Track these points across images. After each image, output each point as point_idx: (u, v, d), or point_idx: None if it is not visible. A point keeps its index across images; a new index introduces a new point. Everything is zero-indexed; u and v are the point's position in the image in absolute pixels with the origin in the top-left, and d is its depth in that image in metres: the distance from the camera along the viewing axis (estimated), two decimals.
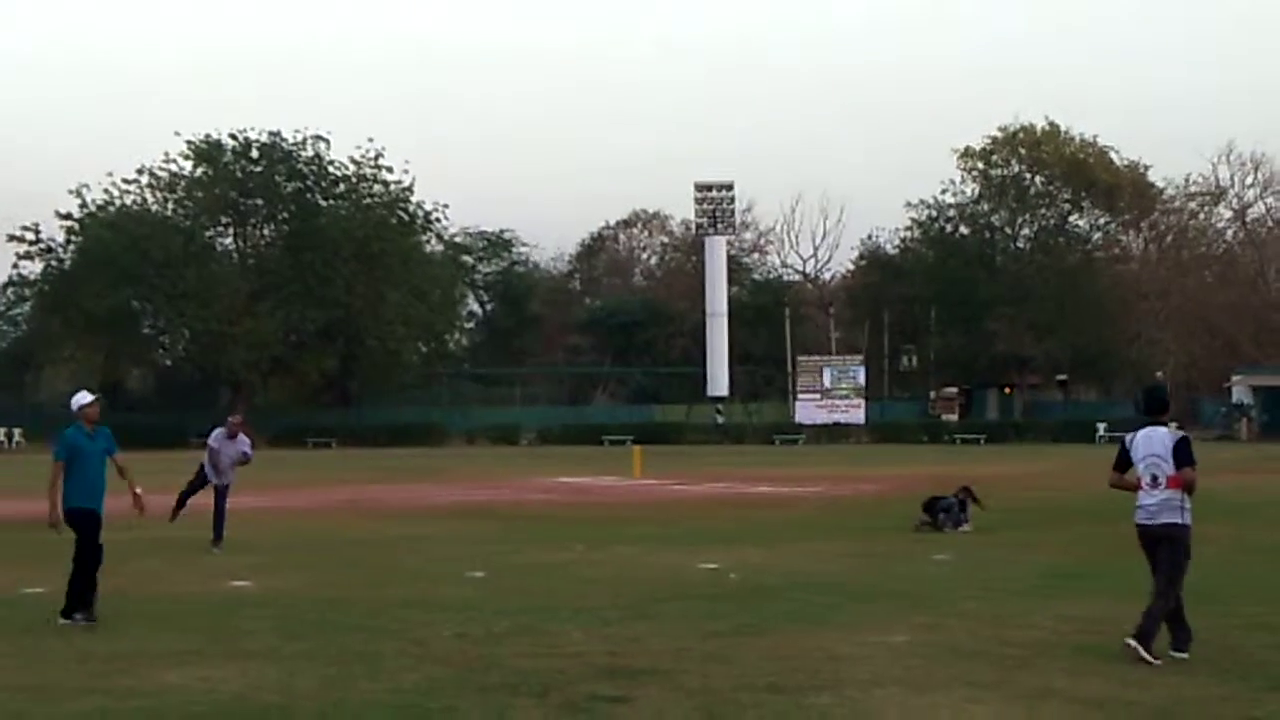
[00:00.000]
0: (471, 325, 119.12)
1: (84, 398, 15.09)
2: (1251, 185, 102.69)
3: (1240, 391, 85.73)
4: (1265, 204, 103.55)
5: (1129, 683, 10.71)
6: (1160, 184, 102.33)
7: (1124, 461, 12.49)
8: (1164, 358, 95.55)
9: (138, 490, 15.01)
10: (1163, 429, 12.49)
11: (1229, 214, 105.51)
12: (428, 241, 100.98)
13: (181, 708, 10.02)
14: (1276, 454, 54.10)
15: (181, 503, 23.41)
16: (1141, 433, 12.47)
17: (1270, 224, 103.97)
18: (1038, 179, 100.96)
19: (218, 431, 23.38)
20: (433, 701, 10.18)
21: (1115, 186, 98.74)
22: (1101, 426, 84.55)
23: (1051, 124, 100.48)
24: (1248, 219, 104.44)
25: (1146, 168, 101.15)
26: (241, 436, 23.35)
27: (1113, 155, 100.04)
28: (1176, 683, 10.74)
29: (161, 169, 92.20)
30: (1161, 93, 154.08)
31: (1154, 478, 12.26)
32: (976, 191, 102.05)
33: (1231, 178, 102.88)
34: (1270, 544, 22.12)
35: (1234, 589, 16.05)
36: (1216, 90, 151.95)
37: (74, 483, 14.57)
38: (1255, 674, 11.15)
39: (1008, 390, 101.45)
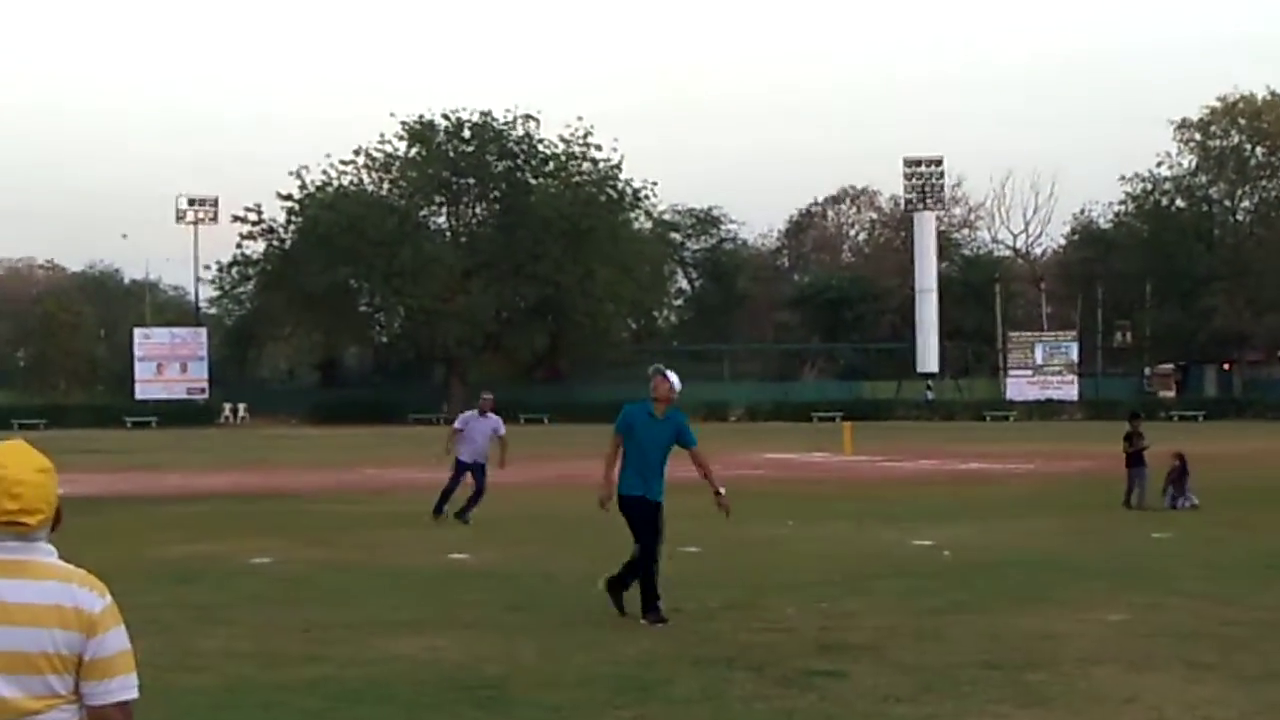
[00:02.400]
0: (680, 302, 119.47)
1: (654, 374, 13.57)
2: None
3: None
4: None
5: None
6: None
7: None
8: None
9: (720, 490, 13.55)
10: None
11: None
12: (636, 219, 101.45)
13: (408, 675, 10.30)
14: None
15: (445, 499, 23.31)
16: None
17: None
18: (1258, 150, 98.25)
19: (468, 414, 23.95)
20: (650, 674, 10.33)
21: None
22: None
23: (1273, 93, 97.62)
24: None
25: None
26: (491, 414, 23.72)
27: None
28: None
29: (377, 150, 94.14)
30: None
31: None
32: (1194, 164, 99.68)
33: None
34: None
35: None
36: None
37: (627, 468, 13.05)
38: None
39: (1226, 367, 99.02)
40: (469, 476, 23.28)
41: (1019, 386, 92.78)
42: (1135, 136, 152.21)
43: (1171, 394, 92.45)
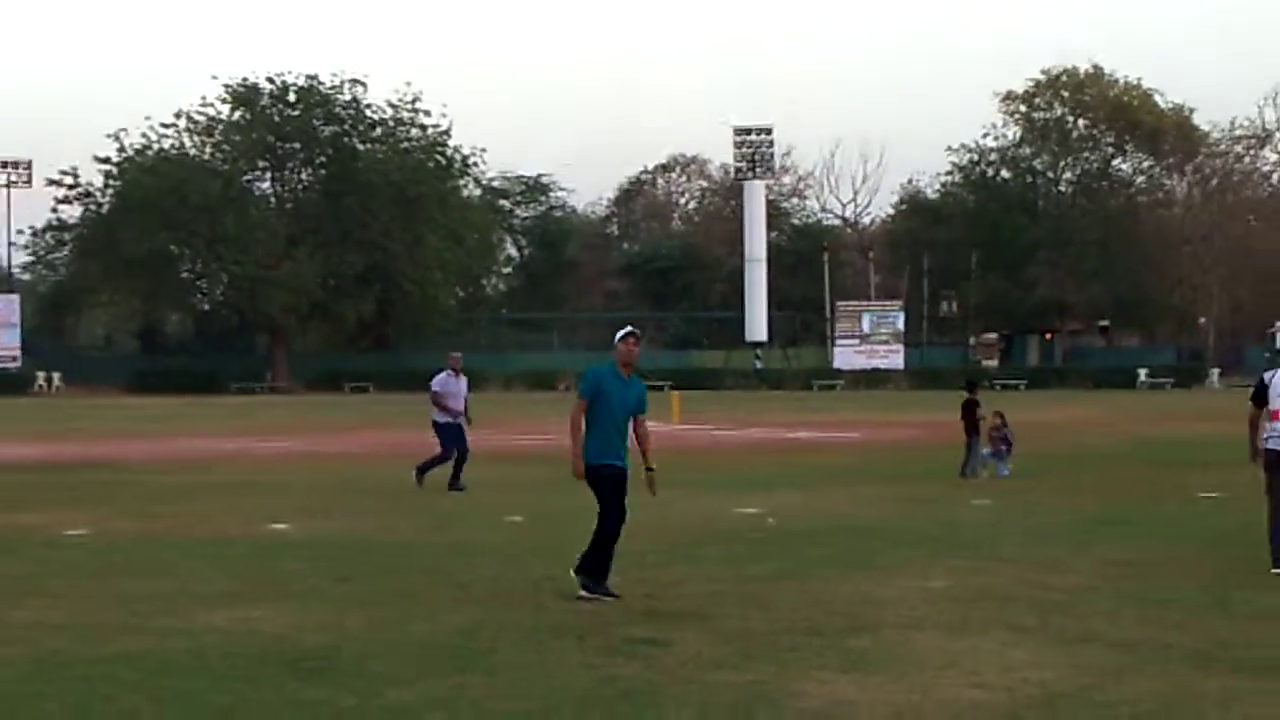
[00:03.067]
0: (509, 270, 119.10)
1: (623, 332, 12.61)
2: None
3: None
4: None
5: (1168, 626, 10.67)
6: (1205, 127, 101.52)
7: (1261, 397, 13.40)
8: (1207, 303, 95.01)
9: (652, 466, 12.91)
10: None
11: (1275, 157, 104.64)
12: (465, 186, 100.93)
13: (222, 647, 10.04)
14: None
15: (425, 469, 22.78)
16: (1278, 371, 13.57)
17: None
18: (1080, 122, 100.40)
19: (443, 374, 23.29)
20: (474, 643, 10.19)
21: (1159, 130, 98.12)
22: (1143, 372, 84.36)
23: (1095, 67, 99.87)
24: None
25: (1191, 111, 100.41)
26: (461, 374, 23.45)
27: (1157, 98, 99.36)
28: (1213, 626, 10.69)
29: (199, 113, 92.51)
30: (1207, 35, 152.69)
31: None
32: (1018, 135, 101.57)
33: (1278, 120, 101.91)
34: None
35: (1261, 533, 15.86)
36: (1264, 32, 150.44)
37: (594, 434, 12.33)
38: None
39: (1049, 336, 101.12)
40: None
41: (846, 355, 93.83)
42: (962, 108, 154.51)
43: (995, 363, 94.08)
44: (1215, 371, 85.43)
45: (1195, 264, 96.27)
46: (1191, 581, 12.82)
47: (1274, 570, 13.16)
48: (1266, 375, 13.65)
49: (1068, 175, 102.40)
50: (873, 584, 12.61)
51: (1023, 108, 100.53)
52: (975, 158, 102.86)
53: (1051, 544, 15.48)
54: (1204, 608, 11.51)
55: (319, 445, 34.32)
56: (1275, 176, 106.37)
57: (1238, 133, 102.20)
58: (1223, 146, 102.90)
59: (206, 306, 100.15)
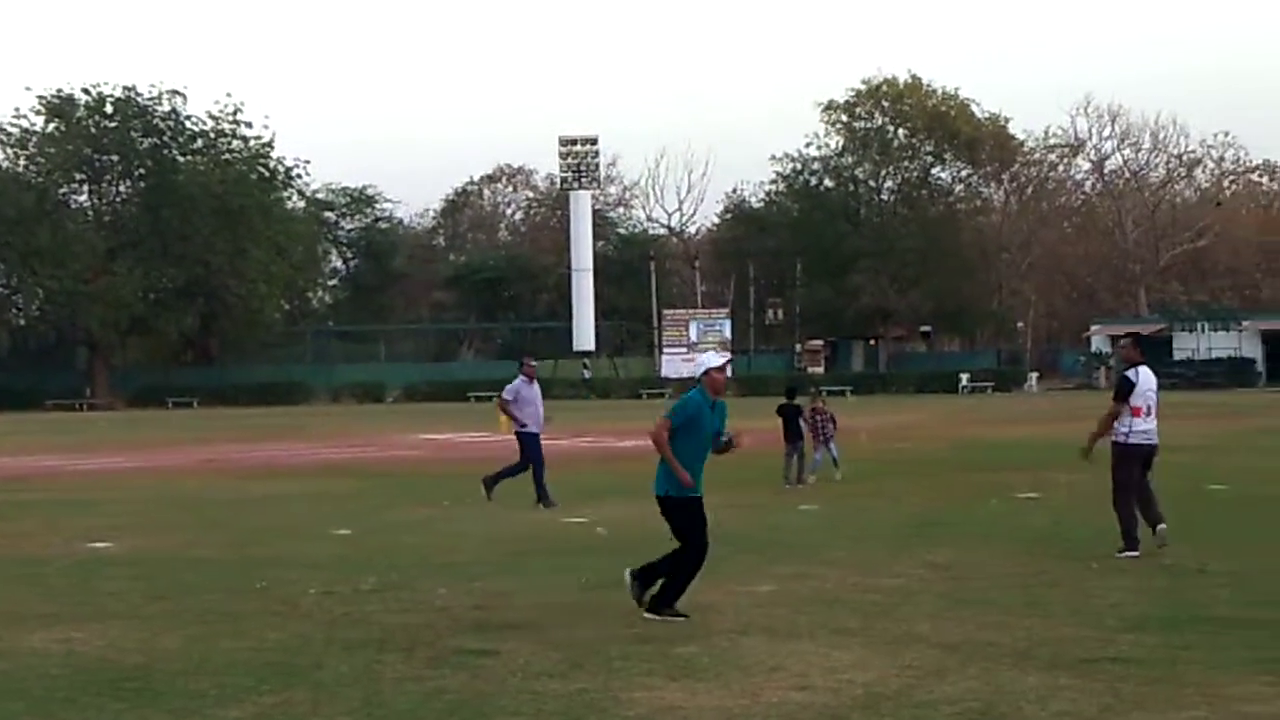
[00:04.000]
0: (335, 282, 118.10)
1: (713, 359, 12.43)
2: (1109, 137, 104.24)
3: (1099, 341, 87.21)
4: (1122, 156, 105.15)
5: (987, 625, 10.86)
6: (1020, 136, 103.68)
7: (1123, 394, 14.60)
8: (1025, 309, 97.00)
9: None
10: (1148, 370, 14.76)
11: (1087, 166, 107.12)
12: (289, 198, 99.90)
13: (40, 669, 9.82)
14: None
15: (539, 484, 21.84)
16: (1142, 370, 14.71)
17: (1127, 175, 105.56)
18: (900, 132, 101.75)
19: (517, 382, 22.49)
20: (299, 659, 10.07)
21: (976, 139, 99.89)
22: (964, 377, 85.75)
23: (914, 77, 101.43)
24: (1105, 171, 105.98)
25: (1007, 120, 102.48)
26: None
27: (974, 108, 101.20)
28: (1031, 625, 10.90)
29: (12, 124, 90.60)
30: (1021, 46, 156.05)
31: (1149, 408, 14.65)
32: (840, 144, 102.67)
33: (1090, 130, 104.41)
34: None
35: (1085, 532, 16.25)
36: (1075, 42, 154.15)
37: (681, 462, 12.07)
38: (1109, 615, 11.33)
39: (873, 342, 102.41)
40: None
41: (674, 364, 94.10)
42: (787, 117, 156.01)
43: (821, 369, 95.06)
44: (1034, 375, 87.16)
45: (1013, 270, 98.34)
46: (1010, 581, 13.07)
47: (1122, 554, 14.13)
48: (1132, 374, 14.66)
49: (889, 184, 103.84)
50: (701, 591, 12.60)
51: (844, 117, 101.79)
52: (798, 167, 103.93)
53: (876, 547, 15.70)
54: (1022, 607, 11.74)
55: (139, 461, 33.67)
56: (1087, 184, 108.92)
57: (1051, 141, 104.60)
58: (1037, 155, 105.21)
59: (22, 321, 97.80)
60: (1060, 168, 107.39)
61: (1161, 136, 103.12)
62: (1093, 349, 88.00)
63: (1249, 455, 29.36)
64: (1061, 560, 14.21)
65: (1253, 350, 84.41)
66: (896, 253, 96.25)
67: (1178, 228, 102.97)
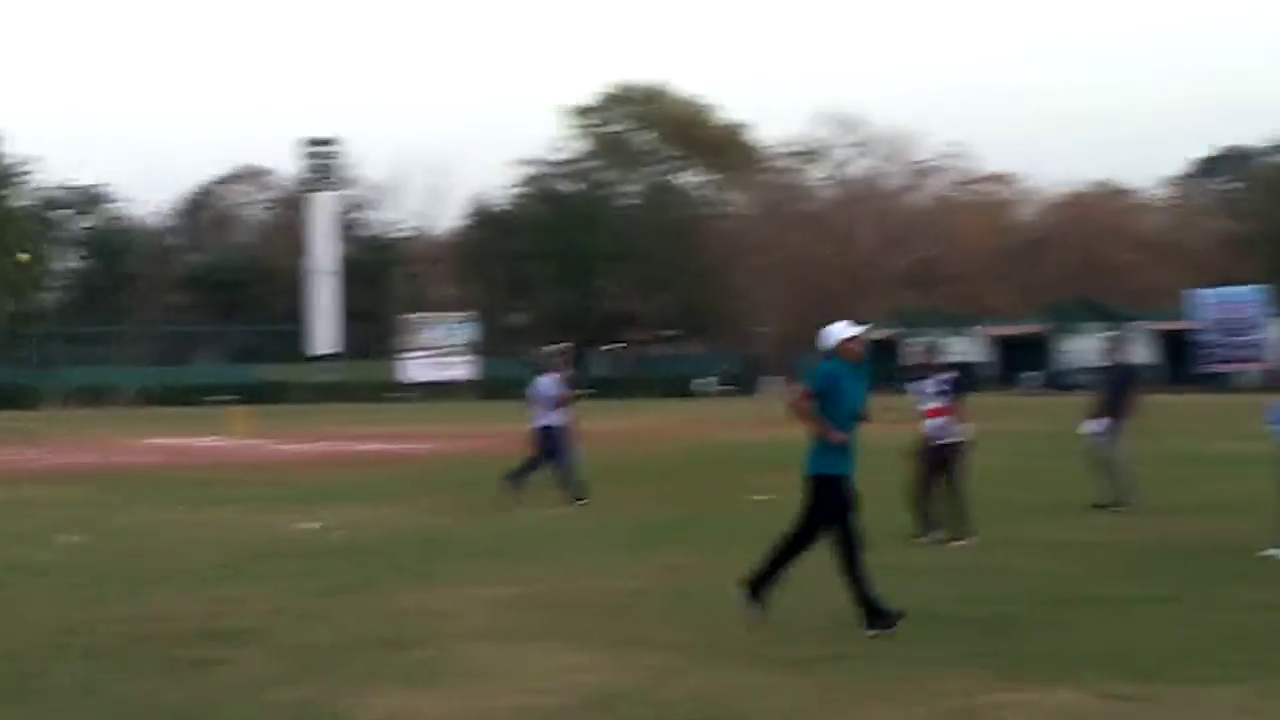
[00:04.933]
0: (65, 283, 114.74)
1: (845, 329, 11.39)
2: (847, 145, 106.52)
3: None
4: (860, 163, 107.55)
5: (716, 627, 11.04)
6: (763, 142, 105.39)
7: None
8: (766, 313, 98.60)
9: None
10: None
11: (826, 173, 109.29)
12: (14, 196, 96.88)
13: None
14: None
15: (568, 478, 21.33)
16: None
17: (864, 182, 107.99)
18: (645, 137, 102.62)
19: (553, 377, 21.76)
20: (23, 667, 9.81)
21: (720, 145, 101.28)
22: (707, 380, 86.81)
23: (659, 83, 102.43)
24: (843, 178, 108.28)
25: (749, 126, 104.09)
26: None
27: (718, 114, 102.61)
28: (763, 625, 11.08)
29: None
30: (765, 54, 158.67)
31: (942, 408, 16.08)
32: (586, 149, 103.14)
33: (829, 137, 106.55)
34: None
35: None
36: (815, 51, 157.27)
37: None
38: (836, 614, 11.55)
39: (617, 346, 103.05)
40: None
41: (417, 367, 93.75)
42: (532, 121, 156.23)
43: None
44: (774, 379, 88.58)
45: (755, 275, 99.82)
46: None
47: (918, 538, 15.64)
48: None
49: (634, 188, 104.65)
50: (435, 595, 12.65)
51: (589, 122, 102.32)
52: (544, 171, 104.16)
53: (612, 550, 15.80)
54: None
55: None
56: (826, 190, 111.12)
57: (793, 148, 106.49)
58: (779, 161, 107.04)
59: None
60: (801, 174, 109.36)
61: (897, 145, 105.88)
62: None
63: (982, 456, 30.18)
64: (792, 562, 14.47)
65: (982, 354, 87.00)
66: (641, 257, 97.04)
67: (912, 234, 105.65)
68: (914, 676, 9.15)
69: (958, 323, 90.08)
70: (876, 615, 10.65)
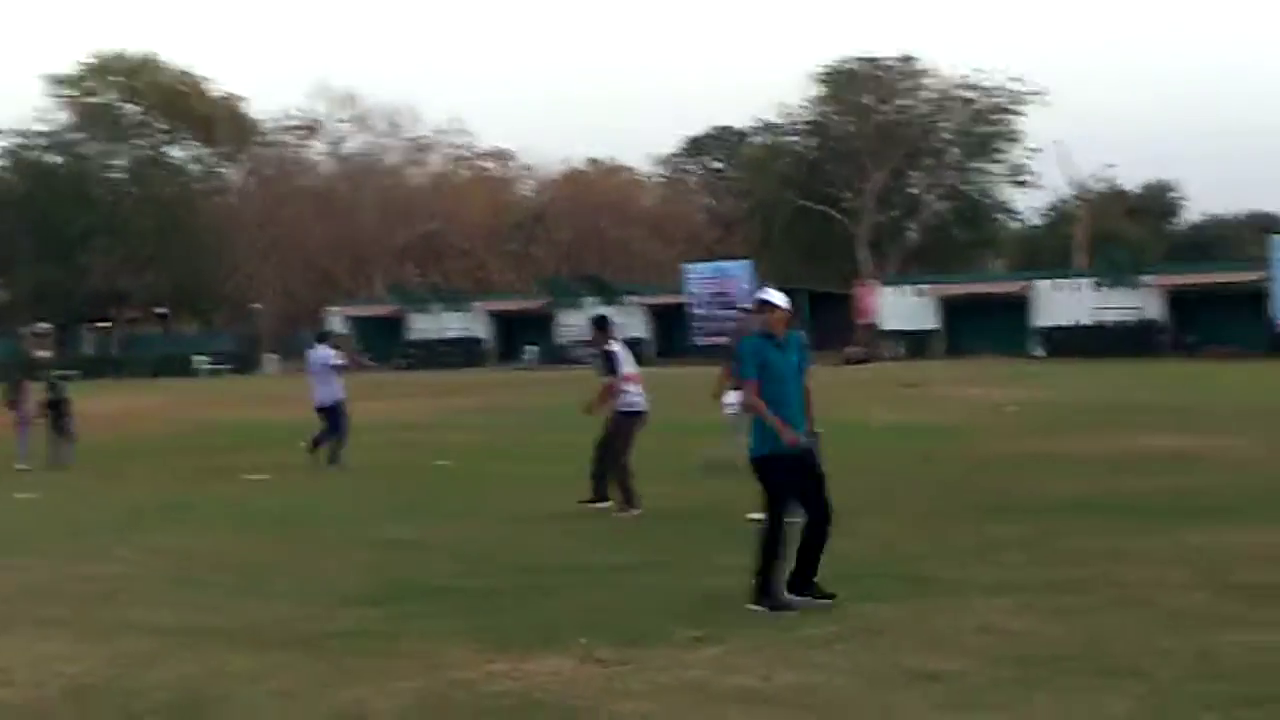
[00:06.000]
0: None
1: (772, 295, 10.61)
2: (345, 120, 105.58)
3: (337, 323, 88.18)
4: (358, 139, 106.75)
5: (205, 610, 10.71)
6: (259, 117, 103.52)
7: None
8: (263, 290, 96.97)
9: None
10: None
11: (325, 148, 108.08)
12: None
13: None
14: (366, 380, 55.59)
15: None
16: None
17: (363, 158, 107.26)
18: (132, 108, 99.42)
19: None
20: None
21: (212, 118, 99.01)
22: (202, 359, 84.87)
23: (148, 53, 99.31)
24: (342, 153, 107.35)
25: (244, 100, 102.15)
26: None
27: (210, 87, 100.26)
28: (251, 606, 10.80)
29: None
30: (260, 27, 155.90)
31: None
32: (69, 120, 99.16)
33: (326, 112, 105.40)
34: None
35: (312, 513, 16.33)
36: (314, 27, 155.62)
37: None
38: (331, 592, 11.38)
39: (105, 325, 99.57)
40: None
41: None
42: (12, 91, 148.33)
43: (49, 354, 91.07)
44: (272, 357, 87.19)
45: (252, 252, 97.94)
46: (232, 563, 12.98)
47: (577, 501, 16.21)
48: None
49: (121, 162, 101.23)
50: None
51: (73, 92, 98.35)
52: (25, 142, 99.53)
53: (97, 535, 15.18)
54: (243, 588, 11.66)
55: None
56: (325, 166, 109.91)
57: (289, 123, 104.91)
58: (275, 136, 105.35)
59: None
60: (299, 149, 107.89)
61: (397, 121, 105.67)
62: (326, 328, 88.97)
63: (472, 432, 30.34)
64: (287, 542, 14.23)
65: (483, 330, 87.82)
66: (130, 233, 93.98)
67: (413, 211, 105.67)
68: (417, 652, 9.05)
69: (458, 299, 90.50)
70: (766, 595, 10.25)
